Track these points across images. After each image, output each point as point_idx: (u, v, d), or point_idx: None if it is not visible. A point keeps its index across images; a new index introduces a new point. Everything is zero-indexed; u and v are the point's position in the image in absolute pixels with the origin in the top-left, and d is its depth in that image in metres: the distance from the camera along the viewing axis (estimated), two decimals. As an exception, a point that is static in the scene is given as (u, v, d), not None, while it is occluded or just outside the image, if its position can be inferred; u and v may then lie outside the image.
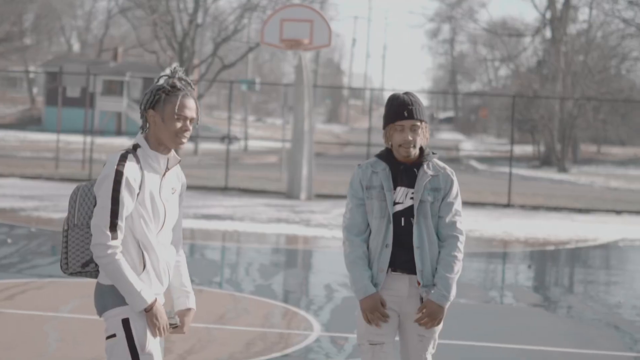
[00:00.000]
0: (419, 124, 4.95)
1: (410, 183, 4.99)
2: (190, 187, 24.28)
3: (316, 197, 24.07)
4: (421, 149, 5.05)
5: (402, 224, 4.96)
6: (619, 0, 32.30)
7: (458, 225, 4.98)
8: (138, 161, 4.20)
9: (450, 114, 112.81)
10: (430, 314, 4.90)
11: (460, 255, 4.95)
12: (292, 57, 22.80)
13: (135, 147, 4.27)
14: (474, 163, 51.62)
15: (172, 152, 4.31)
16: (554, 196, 28.43)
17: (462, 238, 4.97)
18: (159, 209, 4.24)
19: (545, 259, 15.78)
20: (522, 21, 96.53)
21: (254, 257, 14.42)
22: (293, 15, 22.30)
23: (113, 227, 4.12)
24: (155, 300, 4.21)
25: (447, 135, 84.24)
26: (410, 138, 4.95)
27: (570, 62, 50.34)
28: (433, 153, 5.11)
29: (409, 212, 4.95)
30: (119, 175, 4.12)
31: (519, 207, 24.47)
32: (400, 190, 4.98)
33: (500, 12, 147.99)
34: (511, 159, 27.46)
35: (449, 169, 5.05)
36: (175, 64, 4.40)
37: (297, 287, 11.81)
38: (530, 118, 50.81)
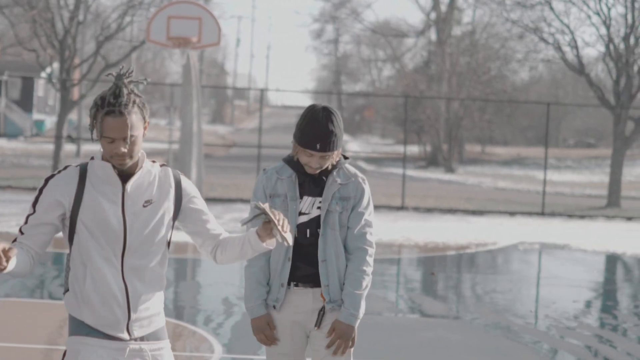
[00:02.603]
0: (330, 154, 4.50)
1: (318, 191, 4.57)
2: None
3: (206, 201, 23.23)
4: None
5: (308, 235, 4.54)
6: (506, 0, 32.24)
7: (368, 237, 4.60)
8: (83, 173, 3.78)
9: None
10: (341, 336, 4.53)
11: (369, 270, 4.58)
12: (180, 56, 21.89)
13: (92, 158, 3.85)
14: (361, 164, 51.36)
15: (140, 159, 3.82)
16: (445, 197, 28.20)
17: (371, 251, 4.60)
18: (112, 225, 3.74)
19: (448, 265, 15.33)
20: (406, 21, 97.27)
21: (144, 267, 13.55)
22: (180, 13, 21.39)
23: (20, 230, 3.80)
24: None
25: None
26: (317, 166, 4.53)
27: (455, 63, 50.56)
28: (345, 158, 4.67)
29: (315, 222, 4.57)
30: (44, 184, 3.79)
31: (412, 209, 24.11)
32: (307, 199, 4.56)
33: (385, 13, 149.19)
34: (405, 160, 27.15)
35: (360, 177, 4.62)
36: (127, 67, 3.80)
37: (192, 301, 11.04)
38: (417, 118, 50.85)
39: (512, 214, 24.16)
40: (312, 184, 4.59)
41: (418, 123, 51.88)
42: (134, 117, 3.68)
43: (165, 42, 21.43)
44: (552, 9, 29.77)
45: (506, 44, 48.21)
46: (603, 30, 29.27)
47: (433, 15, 56.75)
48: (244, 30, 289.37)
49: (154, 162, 3.90)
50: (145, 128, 3.76)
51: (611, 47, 28.63)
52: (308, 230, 4.56)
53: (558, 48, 30.08)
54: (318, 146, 4.46)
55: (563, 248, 17.77)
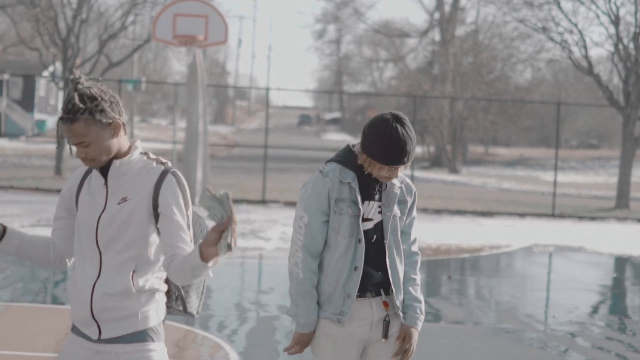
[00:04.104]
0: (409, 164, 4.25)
1: (377, 195, 4.32)
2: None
3: (211, 202, 22.82)
4: None
5: (373, 241, 4.28)
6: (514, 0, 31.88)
7: (417, 240, 4.52)
8: (88, 171, 3.86)
9: (336, 114, 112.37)
10: (411, 341, 4.39)
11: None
12: (186, 54, 21.56)
13: None
14: (365, 164, 50.94)
15: (127, 157, 3.75)
16: (452, 198, 27.85)
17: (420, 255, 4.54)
18: (89, 223, 3.73)
19: (463, 268, 14.96)
20: (409, 21, 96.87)
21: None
22: (186, 10, 21.05)
23: None
24: None
25: (334, 136, 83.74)
26: (397, 177, 4.28)
27: (459, 63, 50.20)
28: None
29: (377, 228, 4.31)
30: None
31: (421, 211, 23.72)
32: (370, 204, 4.28)
33: (387, 13, 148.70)
34: (413, 161, 26.76)
35: (407, 179, 4.42)
36: (79, 72, 3.81)
37: (204, 306, 10.65)
38: (421, 119, 50.51)
39: (521, 215, 23.80)
40: (370, 187, 4.31)
41: (422, 124, 51.54)
42: (82, 124, 3.63)
43: (171, 41, 21.09)
44: (560, 8, 29.41)
45: (511, 44, 47.86)
46: (612, 30, 28.92)
47: (437, 16, 56.45)
48: (246, 30, 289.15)
49: (156, 159, 3.77)
50: (115, 129, 3.68)
51: (620, 46, 28.26)
52: (375, 236, 4.30)
53: (567, 48, 29.72)
54: (405, 159, 4.20)
55: (578, 250, 17.40)
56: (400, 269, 4.38)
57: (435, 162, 53.94)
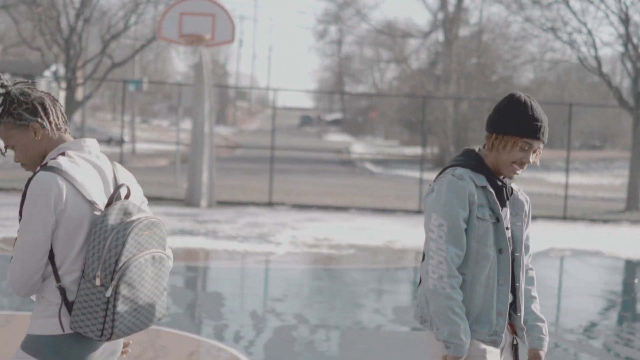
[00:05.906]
0: (542, 147, 3.86)
1: (508, 200, 3.95)
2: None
3: (217, 204, 22.43)
4: None
5: (512, 253, 3.92)
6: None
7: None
8: None
9: (337, 115, 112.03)
10: None
11: None
12: (192, 54, 21.16)
13: None
14: (369, 166, 50.57)
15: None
16: (461, 201, 27.39)
17: None
18: None
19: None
20: (411, 21, 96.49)
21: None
22: (193, 9, 20.63)
23: None
24: None
25: (336, 137, 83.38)
26: (531, 161, 3.84)
27: (463, 63, 49.85)
28: None
29: (511, 238, 3.96)
30: None
31: (430, 214, 23.28)
32: (503, 210, 3.91)
33: (390, 13, 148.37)
34: (422, 163, 26.42)
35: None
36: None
37: (216, 315, 10.21)
38: (425, 120, 50.12)
39: (533, 217, 23.39)
40: (501, 192, 3.93)
41: (426, 125, 51.18)
42: (3, 128, 3.66)
43: (177, 40, 20.67)
44: (569, 7, 29.02)
45: (515, 44, 47.48)
46: (621, 30, 28.51)
47: (440, 16, 56.12)
48: (246, 30, 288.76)
49: (52, 162, 3.63)
50: (36, 131, 3.61)
51: (630, 46, 27.86)
52: (511, 247, 3.92)
53: (575, 48, 29.32)
54: (541, 134, 3.85)
55: (595, 255, 16.96)
56: (523, 285, 4.01)
57: (439, 163, 53.53)
